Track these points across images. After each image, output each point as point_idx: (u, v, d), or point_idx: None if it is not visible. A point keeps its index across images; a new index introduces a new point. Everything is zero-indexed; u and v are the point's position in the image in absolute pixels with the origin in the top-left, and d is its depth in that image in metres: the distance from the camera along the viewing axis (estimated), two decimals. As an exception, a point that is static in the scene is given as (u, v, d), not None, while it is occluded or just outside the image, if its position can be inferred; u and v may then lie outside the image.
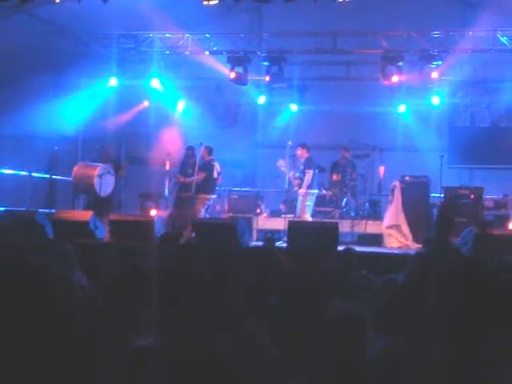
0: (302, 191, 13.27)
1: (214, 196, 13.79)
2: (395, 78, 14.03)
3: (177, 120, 16.70)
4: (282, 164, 13.57)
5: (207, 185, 13.38)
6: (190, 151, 14.03)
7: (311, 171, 13.23)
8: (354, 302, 3.68)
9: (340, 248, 9.11)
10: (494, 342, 2.58)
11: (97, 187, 12.93)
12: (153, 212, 14.17)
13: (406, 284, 4.61)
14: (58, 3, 11.55)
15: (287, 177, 13.63)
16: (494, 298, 2.62)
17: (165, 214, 13.86)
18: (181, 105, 16.83)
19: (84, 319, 2.55)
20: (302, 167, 13.45)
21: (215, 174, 13.55)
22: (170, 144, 15.31)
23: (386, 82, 14.22)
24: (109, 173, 13.26)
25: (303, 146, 13.56)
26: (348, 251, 6.92)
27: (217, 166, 13.60)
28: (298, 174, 13.45)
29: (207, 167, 13.48)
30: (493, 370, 2.54)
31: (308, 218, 13.14)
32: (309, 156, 13.45)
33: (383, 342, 2.94)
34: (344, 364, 2.87)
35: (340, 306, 3.21)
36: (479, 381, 2.52)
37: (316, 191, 13.50)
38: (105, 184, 13.12)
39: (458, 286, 2.70)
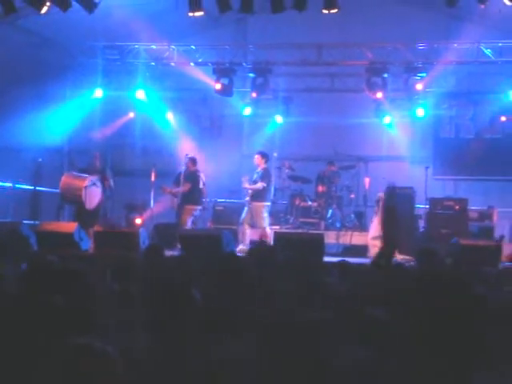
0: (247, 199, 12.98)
1: (200, 207, 13.69)
2: (379, 95, 14.09)
3: (162, 131, 16.66)
4: (245, 180, 13.10)
5: (193, 195, 13.34)
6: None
7: (262, 183, 12.79)
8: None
9: (332, 260, 9.07)
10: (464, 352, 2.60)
11: (84, 199, 12.85)
12: (138, 221, 14.13)
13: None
14: (43, 14, 11.44)
15: (272, 189, 13.43)
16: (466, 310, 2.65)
17: (150, 224, 13.83)
18: (170, 116, 16.78)
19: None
20: (255, 176, 12.96)
21: (201, 185, 13.50)
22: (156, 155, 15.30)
23: (370, 95, 14.28)
24: (94, 184, 13.17)
25: (262, 154, 13.15)
26: (342, 264, 6.74)
27: (202, 177, 13.56)
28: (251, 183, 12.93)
29: (193, 177, 13.43)
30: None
31: (268, 229, 12.78)
32: (266, 167, 13.07)
33: (356, 352, 2.93)
34: None
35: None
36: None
37: (269, 203, 13.10)
38: (91, 196, 13.04)
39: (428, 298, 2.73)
